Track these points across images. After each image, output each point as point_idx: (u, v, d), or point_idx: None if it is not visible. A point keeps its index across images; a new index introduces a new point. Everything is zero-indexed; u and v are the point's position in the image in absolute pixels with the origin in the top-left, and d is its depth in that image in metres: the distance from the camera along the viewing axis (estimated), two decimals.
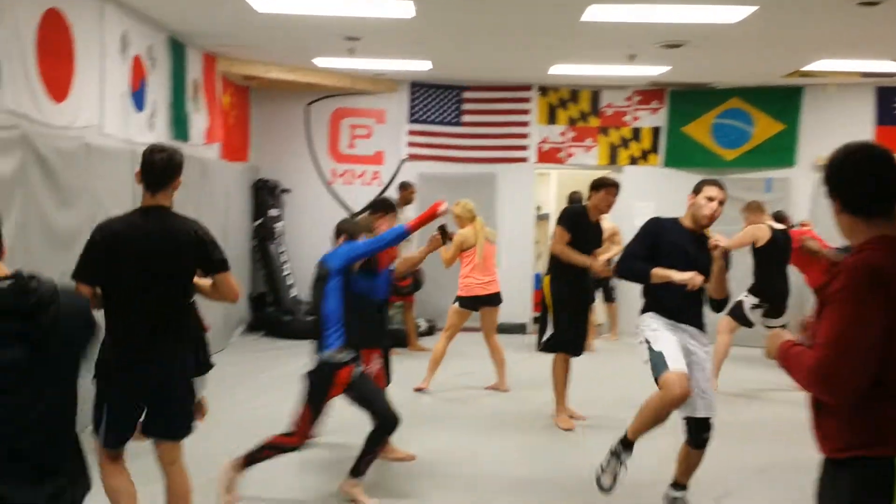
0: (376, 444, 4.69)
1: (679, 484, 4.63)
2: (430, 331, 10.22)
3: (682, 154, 10.72)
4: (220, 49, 8.88)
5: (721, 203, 4.54)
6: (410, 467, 5.47)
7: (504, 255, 10.37)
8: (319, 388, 4.45)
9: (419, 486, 5.15)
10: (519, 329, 10.67)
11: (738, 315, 7.56)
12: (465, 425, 6.50)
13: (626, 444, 4.55)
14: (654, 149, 10.81)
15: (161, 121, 7.55)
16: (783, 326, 7.30)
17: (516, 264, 10.69)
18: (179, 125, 7.98)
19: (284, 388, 7.40)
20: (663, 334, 4.50)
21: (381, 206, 5.88)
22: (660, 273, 4.48)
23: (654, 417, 4.41)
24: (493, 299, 7.43)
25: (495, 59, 9.21)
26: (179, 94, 7.97)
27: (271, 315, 10.20)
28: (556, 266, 6.44)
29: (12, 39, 5.00)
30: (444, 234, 5.48)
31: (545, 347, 6.53)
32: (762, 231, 7.60)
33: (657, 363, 4.41)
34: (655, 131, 10.79)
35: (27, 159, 5.04)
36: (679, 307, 4.55)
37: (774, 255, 7.54)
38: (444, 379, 7.66)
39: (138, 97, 7.01)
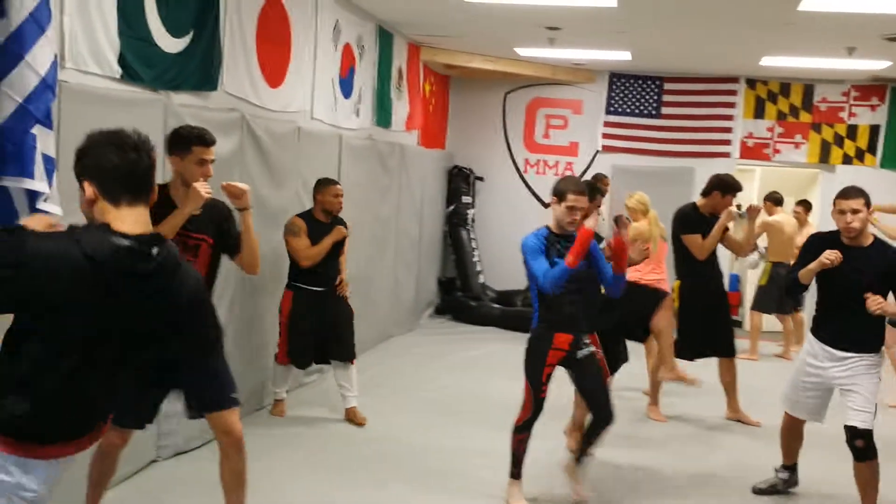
0: (591, 438, 4.58)
1: None
2: None
3: None
4: (424, 38, 9.11)
5: (855, 212, 4.28)
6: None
7: None
8: (528, 361, 4.47)
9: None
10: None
11: None
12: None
13: None
14: (872, 148, 10.06)
15: (365, 107, 7.86)
16: None
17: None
18: (382, 112, 8.28)
19: (465, 372, 7.59)
20: None
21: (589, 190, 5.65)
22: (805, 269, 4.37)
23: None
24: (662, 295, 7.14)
25: (701, 50, 8.89)
26: (384, 81, 8.26)
27: (459, 300, 10.40)
28: (688, 272, 6.23)
29: (236, 27, 5.36)
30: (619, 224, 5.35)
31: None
32: None
33: None
34: (874, 130, 10.03)
35: (245, 140, 5.41)
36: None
37: None
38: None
39: (346, 84, 7.32)
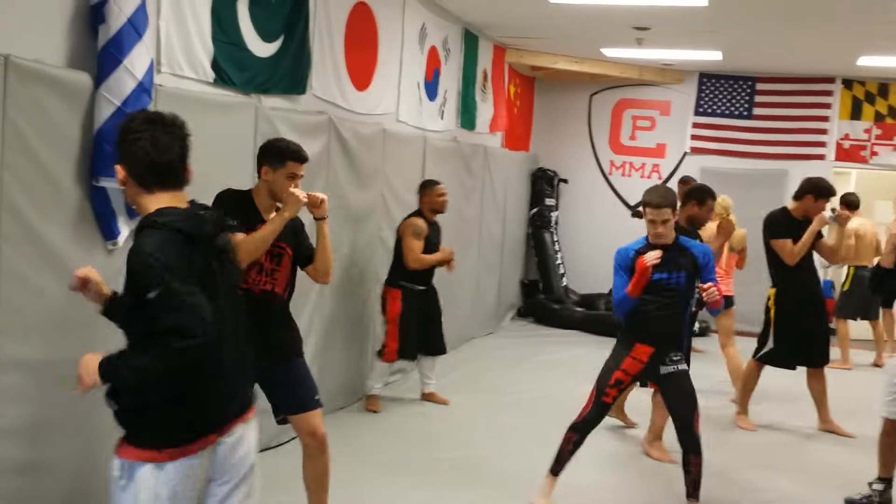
0: (686, 470, 4.40)
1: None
2: (703, 332, 9.83)
3: None
4: (509, 40, 9.09)
5: None
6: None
7: None
8: (605, 364, 4.43)
9: None
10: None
11: None
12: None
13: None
14: None
15: (450, 109, 7.89)
16: None
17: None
18: (467, 114, 8.29)
19: (546, 376, 7.53)
20: None
21: (700, 195, 5.43)
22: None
23: None
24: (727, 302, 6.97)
25: (794, 49, 8.62)
26: (469, 83, 8.28)
27: (541, 302, 10.34)
28: (783, 278, 6.03)
29: (325, 31, 5.45)
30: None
31: (763, 359, 6.14)
32: None
33: None
34: None
35: (331, 143, 5.49)
36: None
37: None
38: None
39: (431, 87, 7.36)
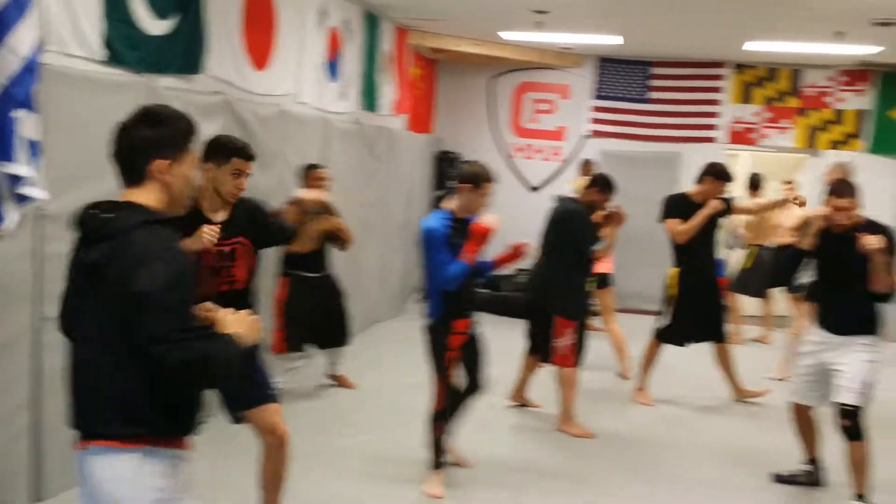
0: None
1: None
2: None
3: (889, 139, 9.94)
4: (411, 22, 9.05)
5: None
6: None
7: None
8: (435, 357, 4.45)
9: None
10: None
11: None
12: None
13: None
14: (859, 133, 10.09)
15: (352, 91, 7.81)
16: None
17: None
18: (369, 96, 8.23)
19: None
20: None
21: (603, 184, 5.68)
22: None
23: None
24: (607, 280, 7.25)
25: (688, 34, 8.86)
26: (371, 65, 8.21)
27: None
28: (685, 259, 6.27)
29: (221, 10, 5.30)
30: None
31: (659, 335, 6.39)
32: None
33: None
34: (860, 115, 10.06)
35: (229, 124, 5.36)
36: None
37: None
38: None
39: (333, 68, 7.27)
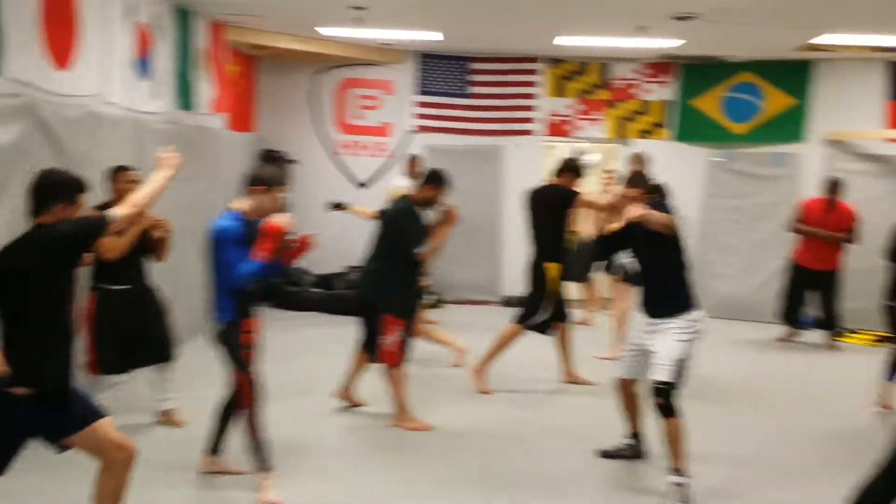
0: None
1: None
2: (437, 304, 10.22)
3: (691, 128, 10.63)
4: (227, 18, 8.80)
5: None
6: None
7: (510, 228, 10.34)
8: (235, 356, 4.41)
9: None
10: None
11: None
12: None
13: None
14: (664, 123, 10.72)
15: (166, 90, 7.51)
16: None
17: (522, 237, 10.63)
18: (185, 94, 7.94)
19: (287, 360, 7.45)
20: None
21: (438, 181, 5.75)
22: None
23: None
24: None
25: (504, 30, 9.11)
26: (185, 62, 7.92)
27: (277, 286, 10.21)
28: (553, 250, 6.53)
29: (17, 6, 4.95)
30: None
31: (539, 328, 6.60)
32: None
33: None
34: (664, 105, 10.69)
35: (32, 128, 5.01)
36: None
37: None
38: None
39: (144, 66, 6.96)
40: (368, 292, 5.77)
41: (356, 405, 6.06)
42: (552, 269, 6.52)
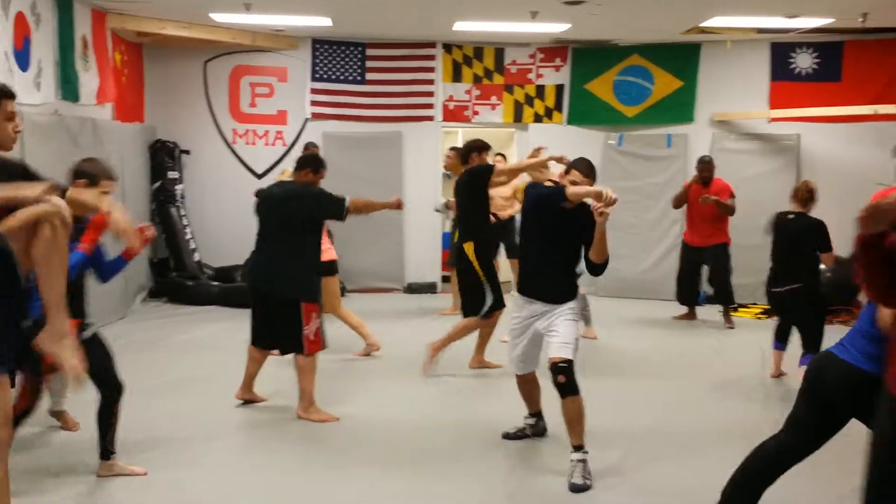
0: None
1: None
2: (340, 292, 10.14)
3: (585, 111, 10.83)
4: (109, 5, 8.48)
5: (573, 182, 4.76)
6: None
7: (412, 215, 10.35)
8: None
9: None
10: (429, 288, 10.71)
11: None
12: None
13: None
14: (558, 106, 10.89)
15: (48, 81, 7.19)
16: None
17: (425, 224, 10.67)
18: (68, 85, 7.61)
19: (187, 355, 7.29)
20: None
21: (315, 163, 5.69)
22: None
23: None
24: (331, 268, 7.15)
25: (397, 15, 9.07)
26: (67, 52, 7.59)
27: (174, 280, 9.94)
28: (477, 230, 6.55)
29: None
30: None
31: (487, 315, 6.57)
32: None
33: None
34: (559, 89, 10.85)
35: None
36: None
37: None
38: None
39: (22, 56, 6.64)
40: (264, 283, 5.58)
41: (256, 401, 5.94)
42: (470, 247, 6.53)
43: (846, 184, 9.22)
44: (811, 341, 6.43)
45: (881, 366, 3.42)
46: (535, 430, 5.25)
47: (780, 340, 6.80)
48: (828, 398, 3.59)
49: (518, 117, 10.89)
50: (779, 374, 6.73)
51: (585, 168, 4.83)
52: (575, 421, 4.57)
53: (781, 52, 10.32)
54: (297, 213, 5.44)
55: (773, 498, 3.71)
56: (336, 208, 5.46)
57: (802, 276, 6.54)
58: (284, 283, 5.44)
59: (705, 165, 8.81)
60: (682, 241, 9.14)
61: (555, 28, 9.39)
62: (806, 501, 4.31)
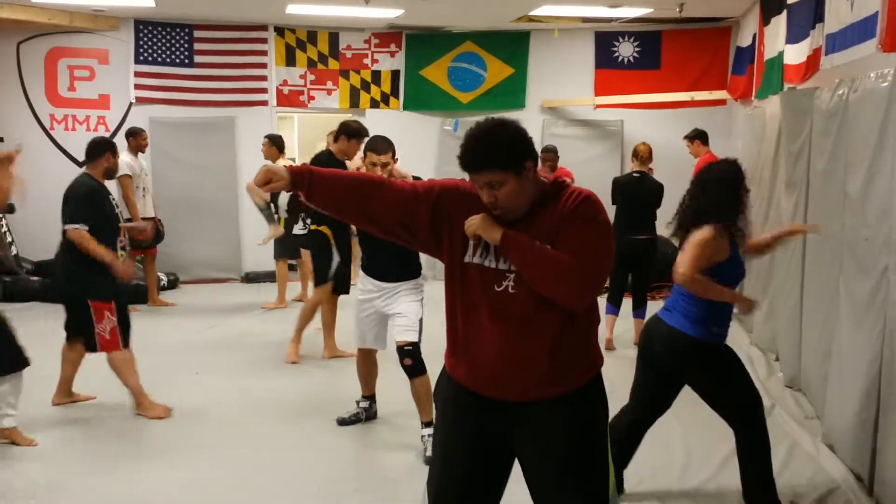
0: None
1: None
2: (173, 284, 9.78)
3: (420, 97, 10.92)
4: None
5: (384, 165, 4.63)
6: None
7: (248, 202, 10.08)
8: None
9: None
10: (267, 277, 10.50)
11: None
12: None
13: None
14: (394, 92, 10.91)
15: None
16: None
17: None
18: None
19: None
20: None
21: (107, 147, 5.48)
22: None
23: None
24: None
25: None
26: None
27: None
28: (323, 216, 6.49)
29: None
30: None
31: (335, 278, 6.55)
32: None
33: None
34: (395, 75, 10.88)
35: None
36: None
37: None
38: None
39: None
40: (55, 281, 5.35)
41: (80, 400, 5.65)
42: (325, 230, 6.42)
43: (667, 168, 9.74)
44: (643, 298, 7.09)
45: (705, 328, 3.70)
46: (368, 413, 5.29)
47: (615, 304, 7.15)
48: (657, 363, 3.84)
49: (355, 103, 10.84)
50: (611, 340, 7.03)
51: (375, 145, 4.74)
52: (425, 399, 4.64)
53: (605, 40, 10.77)
54: (64, 209, 5.26)
55: (647, 463, 3.90)
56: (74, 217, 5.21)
57: (653, 230, 7.15)
58: (65, 281, 5.25)
59: (549, 155, 8.98)
60: None
61: (388, 14, 9.40)
62: (682, 467, 4.52)
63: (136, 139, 8.72)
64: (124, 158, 8.62)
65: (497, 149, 2.45)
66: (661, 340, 3.80)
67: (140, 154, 8.67)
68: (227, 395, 5.89)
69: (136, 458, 4.75)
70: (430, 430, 4.62)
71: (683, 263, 3.63)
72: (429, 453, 4.53)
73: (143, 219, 8.01)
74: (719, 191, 3.72)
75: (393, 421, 5.23)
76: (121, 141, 8.98)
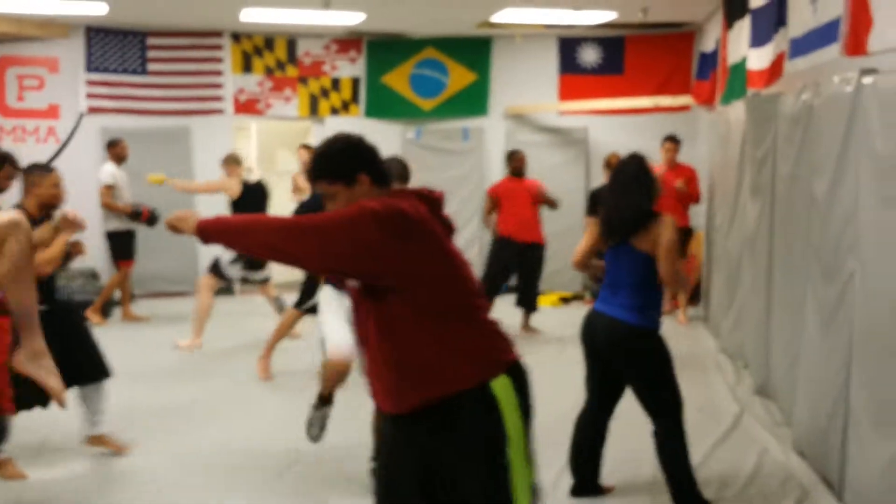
0: None
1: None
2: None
3: (382, 104, 10.73)
4: None
5: None
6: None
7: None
8: None
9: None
10: (224, 291, 10.22)
11: (218, 271, 7.56)
12: None
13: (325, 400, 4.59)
14: (355, 99, 10.72)
15: None
16: (266, 280, 7.84)
17: None
18: None
19: None
20: None
21: (12, 162, 5.35)
22: None
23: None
24: None
25: (180, 3, 8.58)
26: None
27: None
28: None
29: None
30: None
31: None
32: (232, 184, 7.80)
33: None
34: (355, 81, 10.69)
35: None
36: None
37: (251, 207, 7.57)
38: None
39: None
40: None
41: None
42: None
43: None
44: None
45: (643, 315, 3.87)
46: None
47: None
48: (601, 355, 3.97)
49: (314, 110, 10.62)
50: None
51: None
52: (329, 381, 4.51)
53: (568, 46, 10.66)
54: None
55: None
56: None
57: None
58: None
59: (516, 155, 8.39)
60: (500, 236, 8.27)
61: (348, 19, 9.21)
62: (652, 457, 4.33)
63: (116, 149, 8.63)
64: (108, 168, 8.45)
65: (325, 160, 2.56)
66: (602, 332, 3.92)
67: (122, 163, 8.60)
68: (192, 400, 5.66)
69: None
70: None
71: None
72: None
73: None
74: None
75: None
76: (94, 150, 8.74)
